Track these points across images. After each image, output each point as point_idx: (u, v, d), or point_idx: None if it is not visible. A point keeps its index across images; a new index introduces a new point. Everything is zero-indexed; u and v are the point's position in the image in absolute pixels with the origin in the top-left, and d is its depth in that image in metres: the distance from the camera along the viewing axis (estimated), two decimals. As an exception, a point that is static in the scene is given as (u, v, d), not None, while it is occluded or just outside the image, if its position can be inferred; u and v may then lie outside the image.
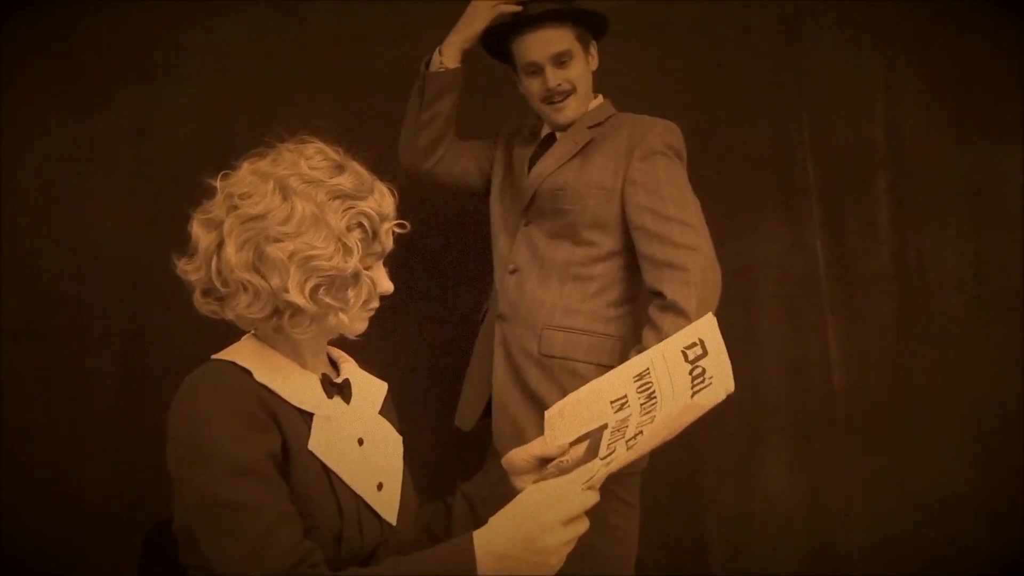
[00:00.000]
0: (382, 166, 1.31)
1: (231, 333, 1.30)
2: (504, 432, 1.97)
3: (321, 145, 1.26)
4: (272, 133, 1.28)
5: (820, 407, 2.43)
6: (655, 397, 1.27)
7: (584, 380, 1.88)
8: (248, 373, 1.22)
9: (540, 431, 1.90)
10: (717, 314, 1.86)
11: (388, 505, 1.32)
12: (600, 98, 2.06)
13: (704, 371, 1.28)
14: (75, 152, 2.38)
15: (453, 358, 2.22)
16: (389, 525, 1.31)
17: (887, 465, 2.41)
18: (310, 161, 1.23)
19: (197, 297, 1.25)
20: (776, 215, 2.43)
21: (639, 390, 1.27)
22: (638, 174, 1.91)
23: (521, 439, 1.94)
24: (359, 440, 1.30)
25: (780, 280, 2.43)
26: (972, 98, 2.42)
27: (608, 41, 2.07)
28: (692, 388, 1.28)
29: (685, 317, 1.80)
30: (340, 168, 1.24)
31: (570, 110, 1.98)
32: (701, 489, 2.41)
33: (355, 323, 1.28)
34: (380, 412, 1.38)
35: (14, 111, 2.34)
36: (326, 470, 1.24)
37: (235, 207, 1.20)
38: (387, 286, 1.29)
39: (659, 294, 1.85)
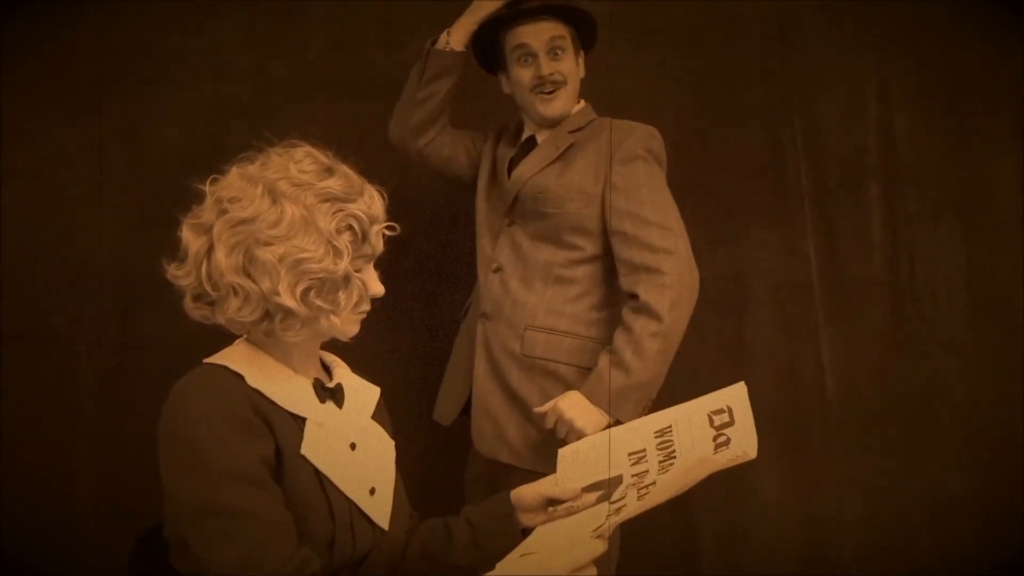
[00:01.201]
0: (373, 171, 1.31)
1: (224, 337, 1.30)
2: (484, 432, 1.97)
3: (310, 149, 1.26)
4: (262, 138, 1.28)
5: (813, 413, 2.42)
6: (675, 456, 1.27)
7: (565, 382, 1.90)
8: (240, 377, 1.22)
9: (521, 431, 1.93)
10: (709, 319, 1.88)
11: (381, 510, 1.32)
12: (582, 103, 2.06)
13: (729, 440, 1.28)
14: (69, 155, 2.37)
15: (445, 361, 2.21)
16: (381, 530, 1.31)
17: (880, 470, 2.40)
18: (299, 164, 1.23)
19: (187, 302, 1.25)
20: (768, 220, 2.42)
21: (659, 447, 1.27)
22: (618, 178, 1.91)
23: (501, 439, 1.95)
24: (351, 445, 1.30)
25: (772, 286, 2.43)
26: (965, 103, 2.42)
27: (600, 46, 2.07)
28: (714, 453, 1.27)
29: (657, 319, 1.80)
30: (329, 171, 1.24)
31: (559, 102, 1.97)
32: (691, 495, 2.39)
33: (346, 326, 1.28)
34: (373, 417, 1.38)
35: (9, 114, 2.33)
36: (318, 475, 1.24)
37: (224, 211, 1.20)
38: (378, 288, 1.29)
39: (634, 296, 1.85)
